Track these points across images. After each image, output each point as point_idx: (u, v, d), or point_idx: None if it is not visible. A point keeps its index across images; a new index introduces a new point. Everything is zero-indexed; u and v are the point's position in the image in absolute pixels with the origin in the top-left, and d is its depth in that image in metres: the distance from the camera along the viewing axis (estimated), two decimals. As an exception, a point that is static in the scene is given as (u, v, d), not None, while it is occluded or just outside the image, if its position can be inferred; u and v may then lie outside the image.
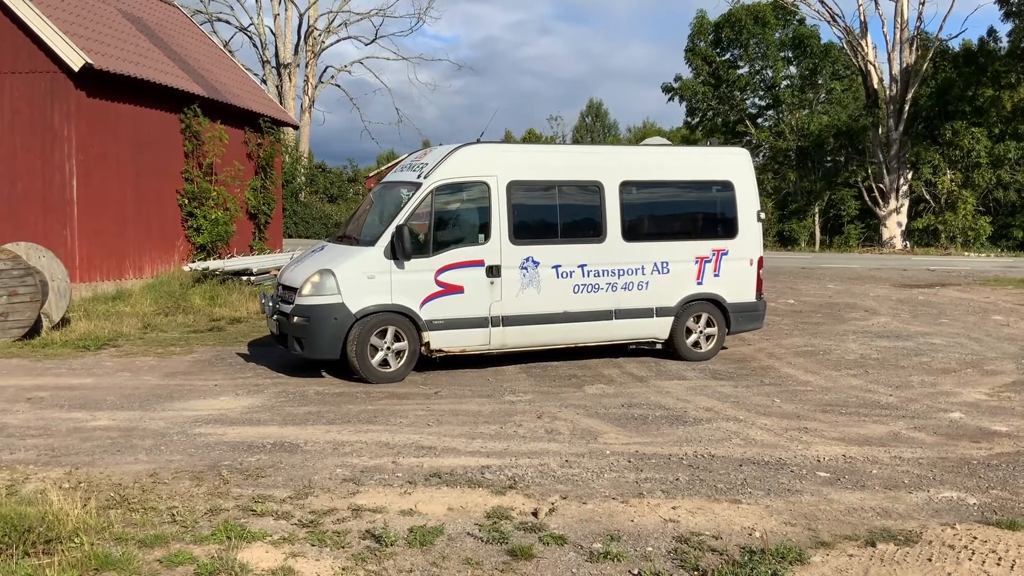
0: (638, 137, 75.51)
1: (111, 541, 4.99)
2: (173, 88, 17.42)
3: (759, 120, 49.54)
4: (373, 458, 6.79)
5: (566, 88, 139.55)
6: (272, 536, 5.11)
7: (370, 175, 66.13)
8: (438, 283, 10.01)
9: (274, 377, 10.06)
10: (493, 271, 10.23)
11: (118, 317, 13.62)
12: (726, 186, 11.61)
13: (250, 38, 44.42)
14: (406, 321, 9.90)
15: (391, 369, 9.86)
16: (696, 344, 11.39)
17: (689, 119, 51.01)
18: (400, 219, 9.86)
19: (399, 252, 9.74)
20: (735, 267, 11.45)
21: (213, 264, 17.02)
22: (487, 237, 10.31)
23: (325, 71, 47.07)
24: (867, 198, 39.67)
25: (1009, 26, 39.55)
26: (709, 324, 11.42)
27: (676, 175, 11.59)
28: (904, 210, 39.02)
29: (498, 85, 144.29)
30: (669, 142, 14.21)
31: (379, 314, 9.79)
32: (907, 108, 37.92)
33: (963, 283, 20.92)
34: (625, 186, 11.03)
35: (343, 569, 4.69)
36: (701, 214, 11.85)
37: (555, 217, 10.91)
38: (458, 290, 10.09)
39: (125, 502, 5.71)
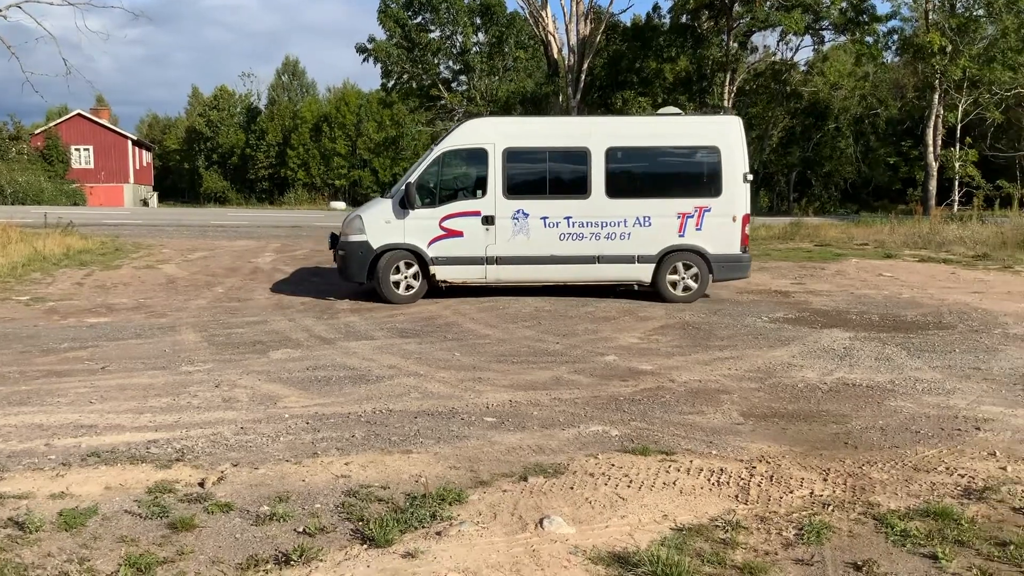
0: (337, 98, 74.24)
1: None
2: None
3: (453, 85, 50.73)
4: (23, 442, 6.24)
5: (259, 42, 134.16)
6: None
7: (36, 132, 59.15)
8: (442, 228, 12.73)
9: (-95, 362, 8.87)
10: (488, 220, 12.76)
11: None
12: (712, 150, 13.11)
13: None
14: (416, 257, 12.73)
15: (408, 293, 12.82)
16: (676, 287, 13.16)
17: (385, 81, 51.03)
18: (411, 178, 12.76)
19: (407, 204, 12.62)
20: (718, 223, 13.04)
21: None
22: (484, 192, 12.85)
23: (-28, 14, 41.25)
24: (550, 162, 42.19)
25: (671, 2, 43.68)
26: (691, 271, 13.13)
27: (661, 142, 13.30)
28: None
29: (182, 36, 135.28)
30: (681, 112, 15.51)
31: (395, 251, 12.74)
32: (584, 78, 40.77)
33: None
34: (611, 151, 12.97)
35: (-25, 563, 4.30)
36: (685, 175, 13.41)
37: (544, 177, 13.13)
38: (458, 234, 12.74)
39: None
